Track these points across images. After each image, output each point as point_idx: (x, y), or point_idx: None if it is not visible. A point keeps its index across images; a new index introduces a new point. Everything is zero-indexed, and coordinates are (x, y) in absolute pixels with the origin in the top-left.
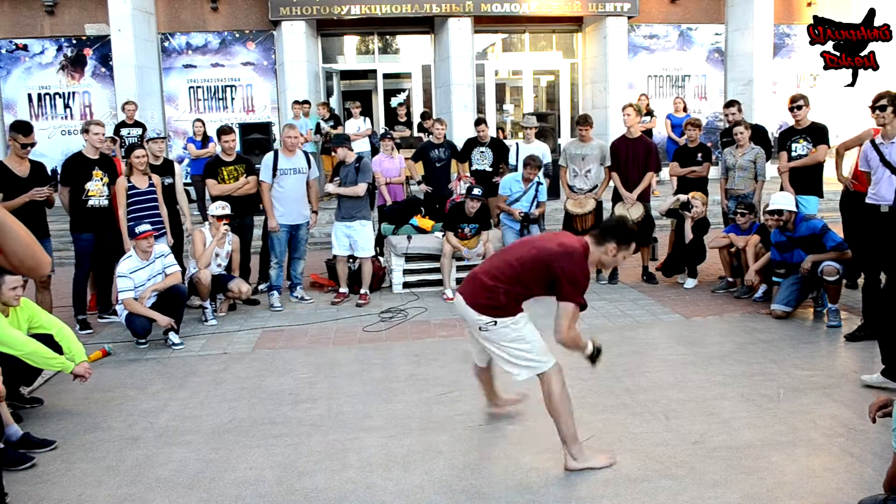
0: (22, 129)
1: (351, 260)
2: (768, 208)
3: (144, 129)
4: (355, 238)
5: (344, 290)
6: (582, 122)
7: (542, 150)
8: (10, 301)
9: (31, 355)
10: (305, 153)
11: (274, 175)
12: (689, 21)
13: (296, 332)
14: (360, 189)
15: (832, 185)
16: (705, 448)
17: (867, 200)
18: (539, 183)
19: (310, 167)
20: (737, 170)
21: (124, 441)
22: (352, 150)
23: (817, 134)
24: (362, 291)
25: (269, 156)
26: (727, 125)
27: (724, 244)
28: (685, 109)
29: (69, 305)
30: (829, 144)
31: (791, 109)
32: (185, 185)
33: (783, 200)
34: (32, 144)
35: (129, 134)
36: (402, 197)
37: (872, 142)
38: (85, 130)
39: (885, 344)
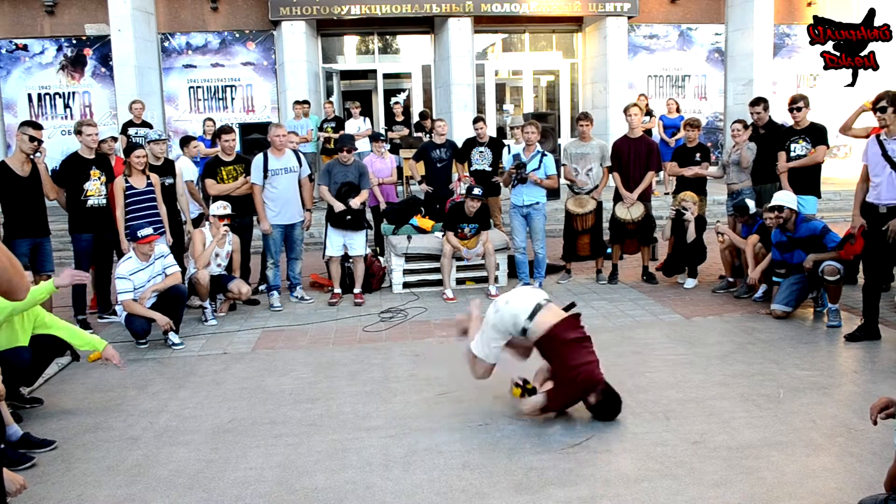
0: (32, 123)
1: (351, 261)
2: (769, 204)
3: (151, 128)
4: (349, 239)
5: (338, 290)
6: (583, 118)
7: (545, 160)
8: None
9: (69, 330)
10: (296, 152)
11: (266, 176)
12: (689, 21)
13: (296, 332)
14: (356, 203)
15: (830, 185)
16: (705, 448)
17: (867, 199)
18: (543, 154)
19: (301, 165)
20: (731, 165)
21: (124, 441)
22: (356, 148)
23: (816, 134)
24: (356, 290)
25: (259, 157)
26: (753, 123)
27: (726, 234)
28: (678, 110)
29: (69, 305)
30: (828, 145)
31: (791, 110)
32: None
33: (785, 198)
34: (40, 141)
35: (136, 134)
36: (395, 197)
37: (877, 136)
38: (78, 132)
39: None
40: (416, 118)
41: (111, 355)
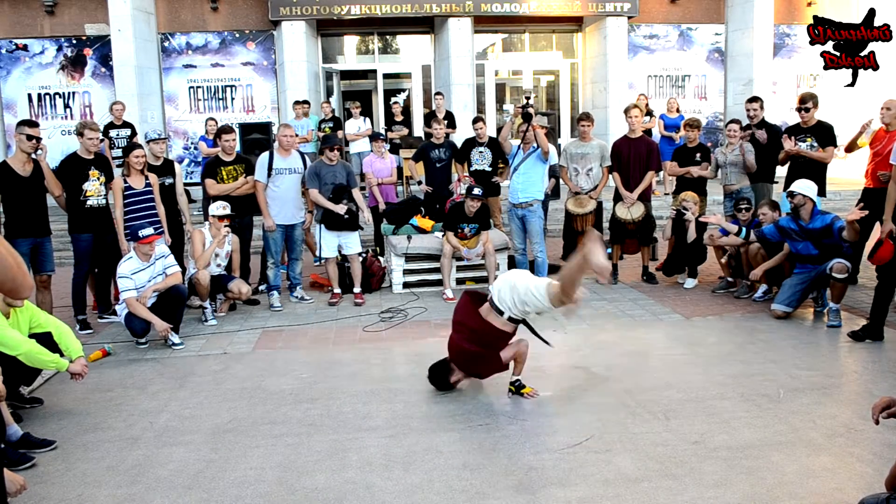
0: (28, 122)
1: (348, 263)
2: (789, 189)
3: (133, 129)
4: (344, 238)
5: (338, 290)
6: (584, 118)
7: (551, 151)
8: (16, 303)
9: (27, 355)
10: (301, 153)
11: (269, 175)
12: (689, 21)
13: (296, 332)
14: (341, 209)
15: (830, 185)
16: (705, 448)
17: None
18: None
19: (305, 167)
20: (728, 166)
21: (124, 441)
22: (340, 148)
23: (823, 134)
24: (355, 290)
25: (265, 155)
26: (748, 120)
27: (718, 244)
28: (678, 110)
29: (69, 305)
30: (836, 145)
31: (799, 110)
32: (192, 184)
33: (803, 185)
34: (39, 139)
35: (117, 135)
36: (395, 197)
37: None
38: (80, 133)
39: None
40: (415, 118)
41: (75, 370)
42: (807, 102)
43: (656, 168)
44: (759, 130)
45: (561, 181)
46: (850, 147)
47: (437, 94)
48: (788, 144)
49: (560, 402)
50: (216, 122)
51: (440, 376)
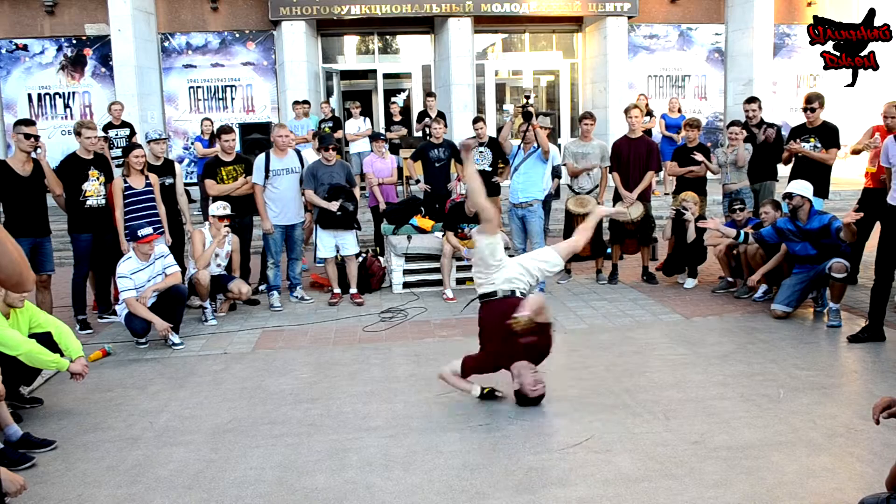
0: (24, 121)
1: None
2: (785, 190)
3: (132, 129)
4: (340, 239)
5: (338, 290)
6: (587, 117)
7: (552, 152)
8: (16, 303)
9: (28, 355)
10: (298, 152)
11: (267, 176)
12: (689, 21)
13: (296, 332)
14: (333, 206)
15: (833, 185)
16: (705, 448)
17: (889, 201)
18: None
19: (303, 166)
20: (728, 166)
21: (124, 441)
22: (336, 147)
23: (828, 134)
24: (352, 291)
25: (261, 157)
26: (747, 121)
27: (718, 244)
28: (679, 110)
29: (69, 305)
30: (839, 147)
31: (805, 110)
32: (190, 184)
33: (799, 186)
34: (37, 137)
35: (116, 135)
36: (395, 197)
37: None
38: (77, 133)
39: None
40: (415, 118)
41: (76, 370)
42: (812, 102)
43: (656, 168)
44: (770, 129)
45: (563, 181)
46: (856, 152)
47: (429, 94)
48: (795, 146)
49: (560, 402)
50: (211, 123)
51: None
